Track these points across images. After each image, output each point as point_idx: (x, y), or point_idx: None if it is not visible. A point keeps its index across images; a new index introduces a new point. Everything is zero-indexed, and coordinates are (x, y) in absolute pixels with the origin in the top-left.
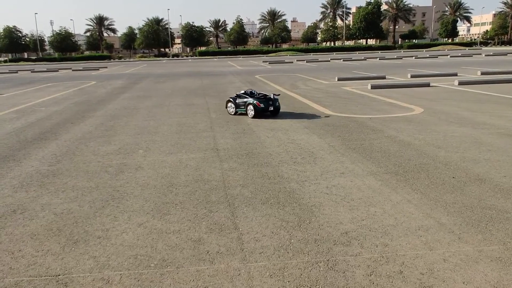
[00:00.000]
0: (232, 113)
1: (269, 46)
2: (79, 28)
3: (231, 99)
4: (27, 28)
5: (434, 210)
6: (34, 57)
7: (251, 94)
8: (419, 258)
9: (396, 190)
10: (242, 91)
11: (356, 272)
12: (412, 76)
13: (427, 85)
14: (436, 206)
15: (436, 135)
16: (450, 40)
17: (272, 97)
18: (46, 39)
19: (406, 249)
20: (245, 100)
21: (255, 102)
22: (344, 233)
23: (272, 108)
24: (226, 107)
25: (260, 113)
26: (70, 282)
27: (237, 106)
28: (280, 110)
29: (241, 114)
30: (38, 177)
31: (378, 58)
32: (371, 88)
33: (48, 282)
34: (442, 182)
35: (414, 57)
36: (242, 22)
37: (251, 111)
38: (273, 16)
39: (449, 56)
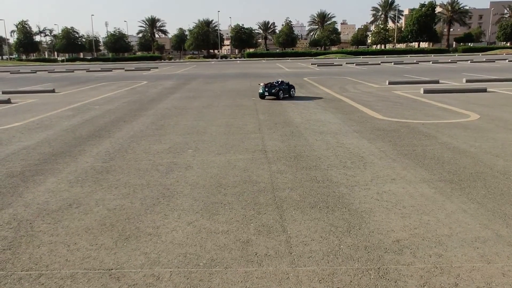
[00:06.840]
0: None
1: (317, 49)
2: (132, 29)
3: (262, 84)
4: (84, 29)
5: (492, 222)
6: (89, 57)
7: (273, 83)
8: (476, 271)
9: (451, 198)
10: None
11: (408, 282)
12: (467, 81)
13: (484, 90)
14: (494, 218)
15: (494, 143)
16: (508, 44)
17: (264, 84)
18: (101, 40)
19: (462, 261)
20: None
21: (260, 88)
22: (395, 241)
23: (267, 94)
24: None
25: (260, 96)
26: (122, 277)
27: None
28: (329, 113)
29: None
30: (93, 173)
31: (431, 62)
32: (424, 93)
33: (101, 276)
34: (500, 192)
35: (469, 61)
36: (291, 24)
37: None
38: (322, 18)
39: (507, 60)
